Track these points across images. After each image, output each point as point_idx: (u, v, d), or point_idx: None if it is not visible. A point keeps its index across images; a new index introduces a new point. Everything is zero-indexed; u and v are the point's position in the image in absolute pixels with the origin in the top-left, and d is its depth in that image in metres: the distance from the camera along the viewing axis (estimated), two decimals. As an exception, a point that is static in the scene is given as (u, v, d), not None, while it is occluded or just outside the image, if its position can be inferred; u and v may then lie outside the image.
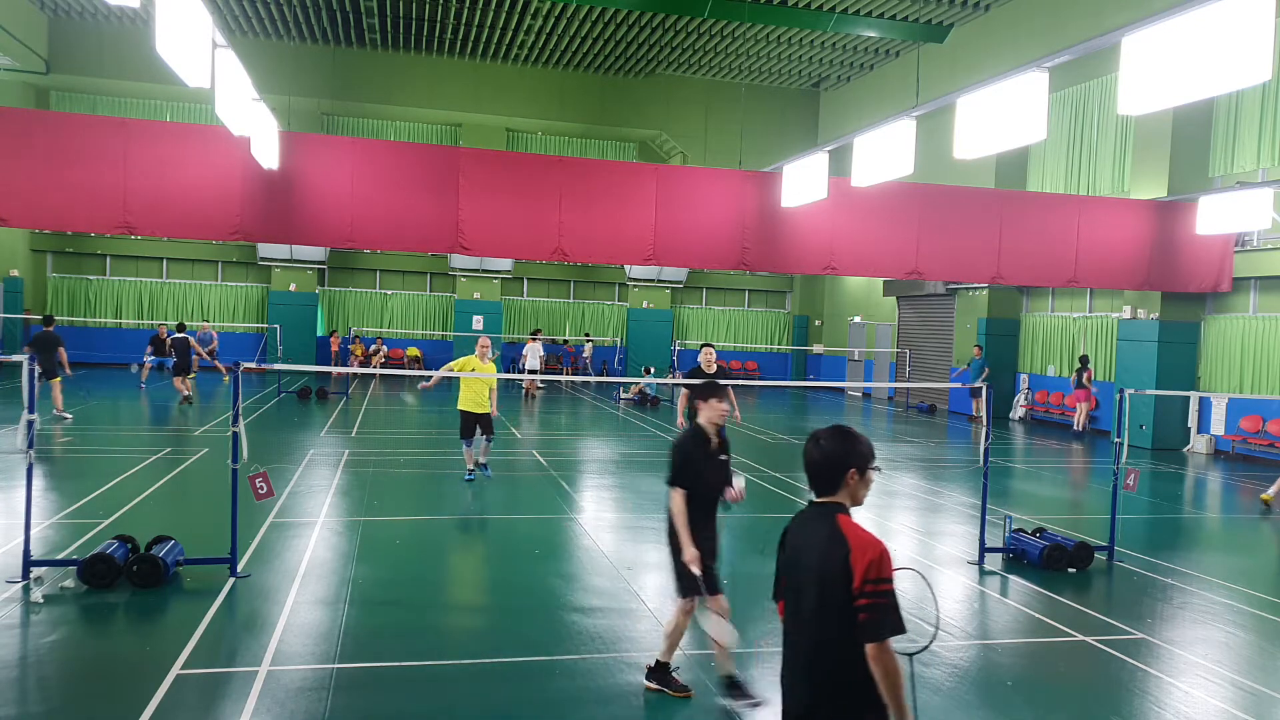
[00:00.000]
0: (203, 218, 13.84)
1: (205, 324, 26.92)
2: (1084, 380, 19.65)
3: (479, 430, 11.33)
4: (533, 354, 26.21)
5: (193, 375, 19.22)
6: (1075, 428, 19.96)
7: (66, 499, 9.75)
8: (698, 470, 5.29)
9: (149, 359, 23.02)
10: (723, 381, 10.91)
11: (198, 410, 18.24)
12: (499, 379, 12.86)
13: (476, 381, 11.19)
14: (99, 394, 20.53)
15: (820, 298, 33.21)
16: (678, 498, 5.26)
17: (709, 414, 5.37)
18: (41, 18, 25.31)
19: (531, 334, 28.19)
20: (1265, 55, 6.56)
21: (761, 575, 8.01)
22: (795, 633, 3.02)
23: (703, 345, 11.89)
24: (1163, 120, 17.57)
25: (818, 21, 21.39)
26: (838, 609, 2.81)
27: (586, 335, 30.87)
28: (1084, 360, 19.72)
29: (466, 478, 11.46)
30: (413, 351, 29.78)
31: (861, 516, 10.99)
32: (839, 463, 3.06)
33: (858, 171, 13.54)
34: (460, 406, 11.34)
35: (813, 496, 3.14)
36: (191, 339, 19.82)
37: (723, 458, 5.44)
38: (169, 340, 20.13)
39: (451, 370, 11.19)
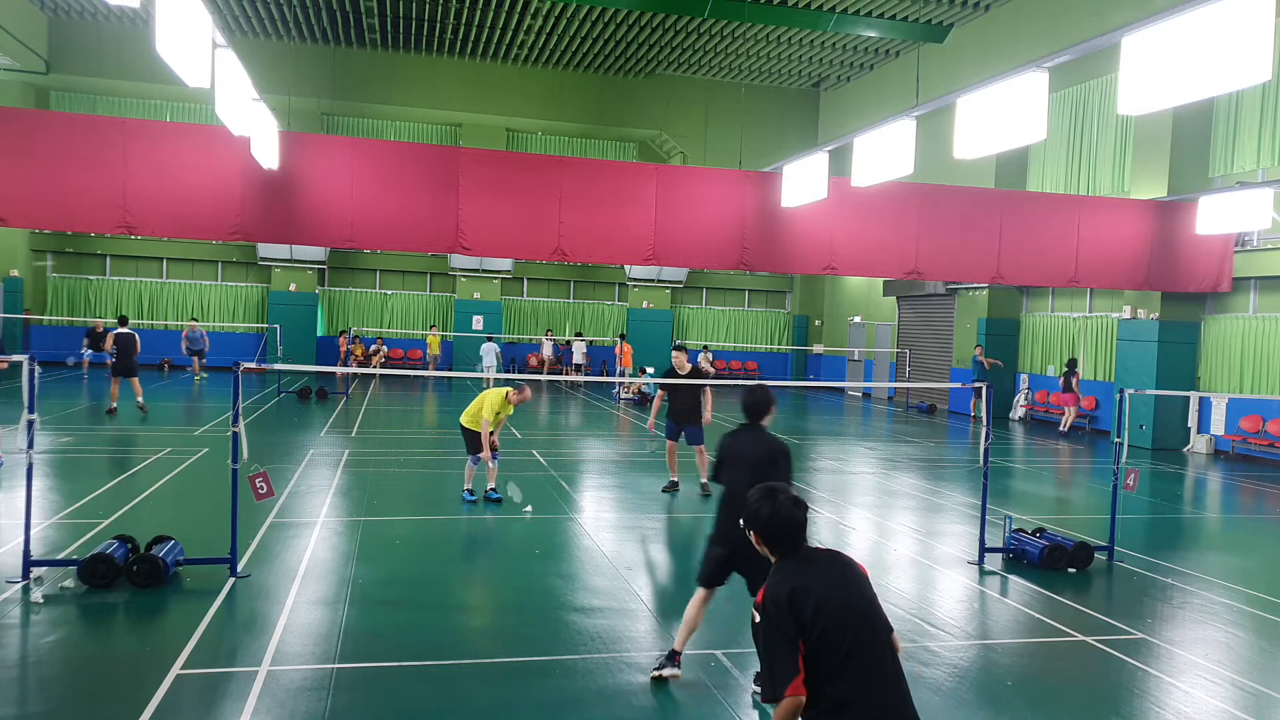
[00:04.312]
0: (203, 218, 13.83)
1: (194, 322, 26.60)
2: (1072, 384, 19.68)
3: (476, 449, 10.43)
4: (577, 351, 27.54)
5: (173, 370, 17.11)
6: (1061, 428, 20.00)
7: (66, 499, 9.75)
8: (730, 462, 5.63)
9: (86, 353, 22.58)
10: (699, 381, 11.04)
11: (150, 420, 16.31)
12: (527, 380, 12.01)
13: (490, 409, 10.28)
14: (94, 394, 20.52)
15: (820, 298, 33.21)
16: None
17: (768, 418, 5.80)
18: (41, 18, 25.32)
19: (576, 333, 29.80)
20: (1265, 55, 6.56)
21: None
22: (879, 658, 3.06)
23: (673, 349, 11.80)
24: (1163, 120, 17.57)
25: (818, 21, 21.40)
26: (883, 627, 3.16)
27: (549, 332, 30.99)
28: (1072, 364, 19.76)
29: (467, 498, 10.58)
30: (434, 340, 28.80)
31: (862, 518, 11.02)
32: None
33: (858, 171, 13.54)
34: (467, 424, 10.44)
35: (781, 556, 3.27)
36: (137, 336, 17.42)
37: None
38: (110, 335, 17.32)
39: (491, 423, 10.27)
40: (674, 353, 11.62)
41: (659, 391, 11.54)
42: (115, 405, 16.88)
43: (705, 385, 11.36)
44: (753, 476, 5.33)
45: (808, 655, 2.97)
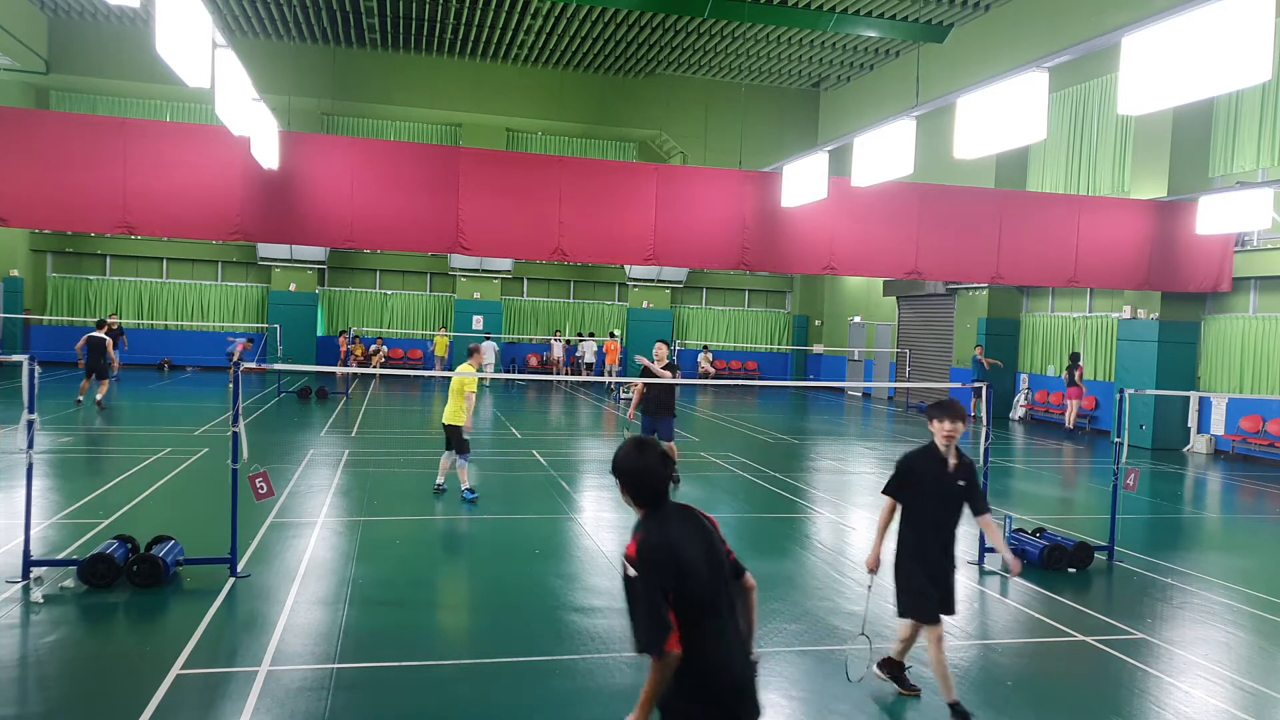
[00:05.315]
0: (203, 218, 13.83)
1: (249, 342, 26.20)
2: (1076, 378, 19.67)
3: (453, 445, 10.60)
4: (587, 351, 27.85)
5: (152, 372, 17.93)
6: (1066, 424, 20.00)
7: (66, 499, 9.75)
8: (920, 488, 5.23)
9: (114, 354, 22.81)
10: (670, 381, 11.13)
11: (107, 419, 16.32)
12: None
13: (473, 383, 10.52)
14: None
15: (820, 298, 33.22)
16: (884, 507, 5.39)
17: (937, 433, 5.25)
18: (41, 18, 25.31)
19: (589, 334, 30.70)
20: (1265, 55, 6.56)
21: (759, 575, 8.00)
22: (727, 607, 3.17)
23: (657, 341, 11.89)
24: (1163, 120, 17.57)
25: (818, 21, 21.40)
26: (730, 577, 3.25)
27: (558, 333, 31.16)
28: (1075, 357, 19.75)
29: (468, 496, 10.61)
30: (441, 342, 28.64)
31: (863, 518, 10.98)
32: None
33: (858, 171, 13.54)
34: (452, 421, 10.51)
35: (645, 509, 3.23)
36: (108, 340, 17.97)
37: (960, 483, 5.24)
38: (84, 337, 17.84)
39: (472, 394, 10.48)
40: (657, 344, 11.73)
41: (638, 388, 11.65)
42: (81, 398, 17.67)
43: (675, 383, 11.60)
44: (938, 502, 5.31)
45: (675, 611, 3.00)
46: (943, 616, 5.23)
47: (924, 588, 5.17)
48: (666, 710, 3.06)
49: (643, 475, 3.18)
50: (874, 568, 5.38)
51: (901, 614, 5.32)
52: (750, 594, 3.35)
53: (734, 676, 3.12)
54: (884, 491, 5.36)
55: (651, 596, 2.98)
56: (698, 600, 3.05)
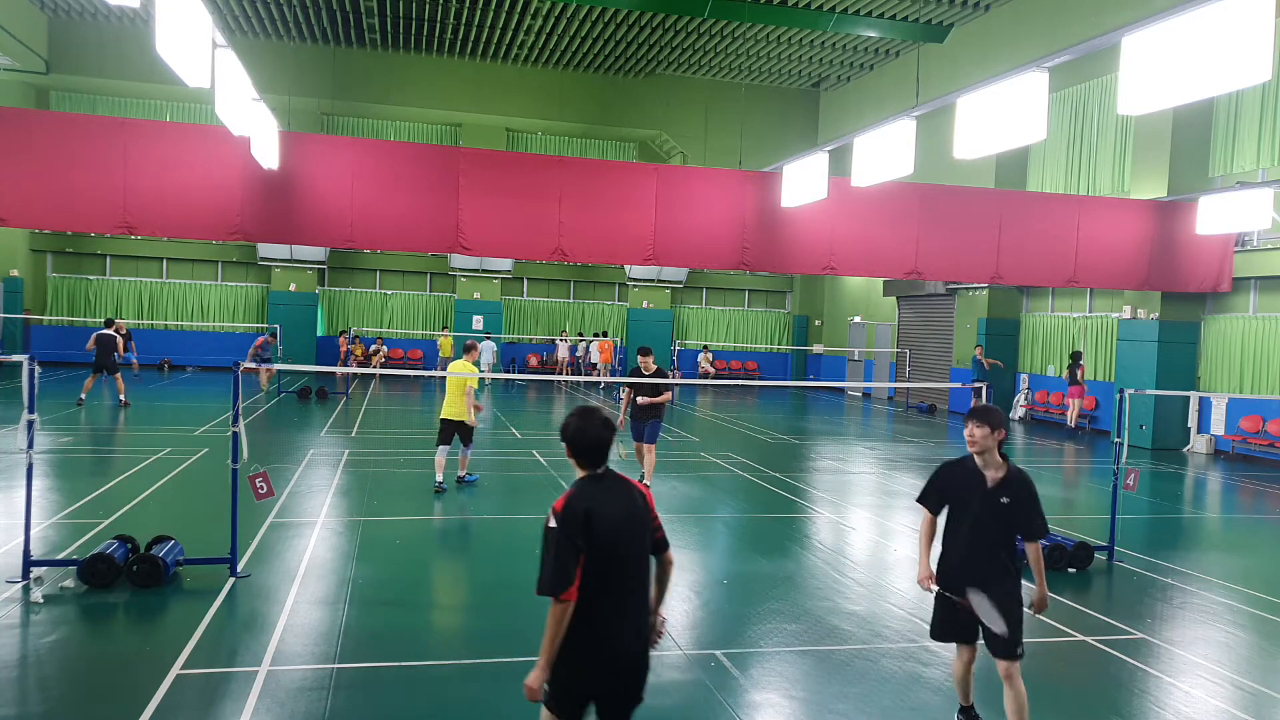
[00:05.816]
0: (203, 218, 13.83)
1: (272, 338, 25.90)
2: (1078, 376, 19.67)
3: (456, 437, 11.00)
4: (594, 351, 28.05)
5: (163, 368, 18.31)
6: (1069, 424, 20.00)
7: (66, 499, 9.75)
8: (953, 501, 4.79)
9: (130, 355, 22.84)
10: (660, 381, 11.15)
11: (118, 417, 16.79)
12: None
13: (454, 386, 10.91)
14: (98, 393, 20.50)
15: (820, 298, 33.22)
16: (923, 519, 4.96)
17: (967, 439, 4.73)
18: (41, 18, 25.32)
19: (595, 334, 30.80)
20: (1265, 55, 6.56)
21: (759, 575, 8.01)
22: (633, 582, 3.46)
23: (639, 352, 11.77)
24: (1163, 120, 17.58)
25: (818, 21, 21.40)
26: (651, 543, 3.56)
27: (564, 333, 31.24)
28: (1076, 356, 19.74)
29: (469, 479, 11.38)
30: (445, 343, 27.90)
31: (862, 518, 10.97)
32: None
33: (858, 171, 13.54)
34: (455, 417, 10.92)
35: (586, 471, 3.55)
36: (118, 338, 18.42)
37: (1003, 500, 4.64)
38: (94, 336, 18.30)
39: (472, 389, 10.88)
40: (640, 356, 11.60)
41: (626, 392, 11.64)
42: (84, 398, 17.99)
43: (666, 384, 11.68)
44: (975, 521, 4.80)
45: (584, 570, 3.32)
46: (989, 652, 4.77)
47: (950, 610, 4.80)
48: (554, 670, 3.37)
49: (581, 435, 3.49)
50: (925, 580, 4.85)
51: (932, 636, 5.06)
52: (668, 567, 3.68)
53: (622, 647, 3.41)
54: (918, 500, 5.00)
55: (561, 548, 3.33)
56: (606, 564, 3.35)
